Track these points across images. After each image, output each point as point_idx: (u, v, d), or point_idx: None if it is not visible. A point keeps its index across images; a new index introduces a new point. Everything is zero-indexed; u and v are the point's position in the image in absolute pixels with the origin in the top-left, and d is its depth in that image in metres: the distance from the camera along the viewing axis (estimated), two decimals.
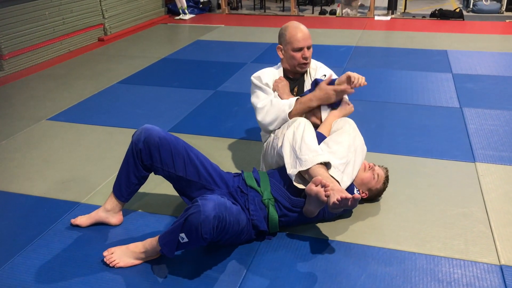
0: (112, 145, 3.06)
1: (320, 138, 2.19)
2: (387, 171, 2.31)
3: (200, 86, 4.14)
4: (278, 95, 2.39)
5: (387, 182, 2.30)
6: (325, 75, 2.44)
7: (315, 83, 2.35)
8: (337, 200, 1.81)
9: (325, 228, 2.15)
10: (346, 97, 2.34)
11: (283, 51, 2.45)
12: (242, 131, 3.21)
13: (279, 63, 2.55)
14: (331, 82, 2.30)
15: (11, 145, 3.10)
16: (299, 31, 2.36)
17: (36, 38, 5.01)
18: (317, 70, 2.51)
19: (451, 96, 3.76)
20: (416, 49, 5.23)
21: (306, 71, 2.50)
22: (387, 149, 2.88)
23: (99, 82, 4.34)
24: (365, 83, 2.24)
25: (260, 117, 2.36)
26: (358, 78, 2.23)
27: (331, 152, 2.09)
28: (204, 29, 6.52)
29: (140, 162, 2.07)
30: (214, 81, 4.27)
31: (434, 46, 5.34)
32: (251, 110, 3.52)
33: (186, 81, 4.32)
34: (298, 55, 2.38)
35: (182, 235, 1.73)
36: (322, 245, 2.05)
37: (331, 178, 1.98)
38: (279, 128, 2.31)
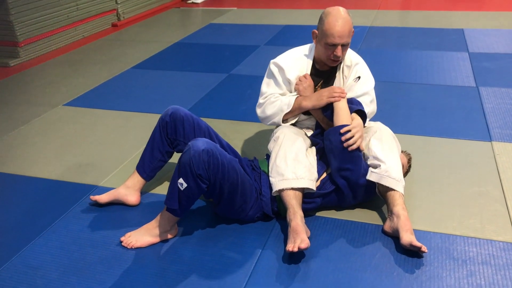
0: (127, 130, 3.09)
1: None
2: (410, 159, 2.27)
3: (214, 70, 4.14)
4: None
5: (409, 169, 2.28)
6: (359, 77, 2.21)
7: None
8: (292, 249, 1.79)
9: (340, 208, 2.15)
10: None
11: (317, 39, 2.16)
12: (255, 115, 3.19)
13: (312, 46, 2.26)
14: (356, 103, 2.13)
15: (29, 131, 3.15)
16: (338, 25, 2.03)
17: (50, 25, 5.04)
18: (352, 68, 2.23)
19: (467, 75, 3.71)
20: (432, 28, 5.14)
21: (338, 66, 2.24)
22: (403, 129, 2.86)
23: (114, 67, 4.37)
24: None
25: (259, 111, 2.30)
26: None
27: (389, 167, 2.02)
28: (216, 13, 6.49)
29: (165, 135, 2.18)
30: (227, 64, 4.27)
31: (450, 25, 5.25)
32: None
33: (200, 65, 4.32)
34: (329, 51, 2.10)
35: (180, 180, 1.81)
36: (336, 225, 2.06)
37: (296, 207, 1.95)
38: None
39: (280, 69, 2.24)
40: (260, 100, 2.30)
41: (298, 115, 2.25)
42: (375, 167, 2.05)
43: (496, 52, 4.22)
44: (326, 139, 2.09)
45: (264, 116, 2.29)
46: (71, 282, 1.79)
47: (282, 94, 2.26)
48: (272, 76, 2.28)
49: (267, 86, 2.30)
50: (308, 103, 2.15)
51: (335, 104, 2.08)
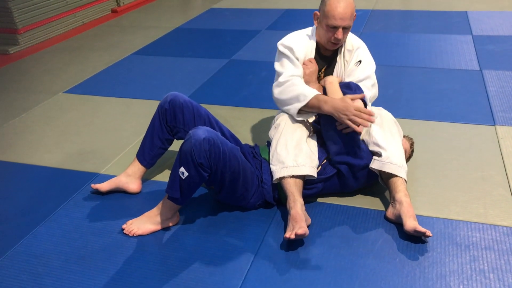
0: (128, 117, 3.08)
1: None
2: (412, 144, 2.25)
3: (215, 55, 4.10)
4: (304, 82, 2.14)
5: (412, 154, 2.26)
6: (360, 61, 2.17)
7: (347, 85, 2.07)
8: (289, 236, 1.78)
9: (342, 194, 2.14)
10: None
11: (318, 21, 2.13)
12: (257, 100, 3.19)
13: (313, 30, 2.22)
14: (354, 88, 2.05)
15: (29, 119, 3.14)
16: (340, 7, 2.00)
17: (50, 12, 4.99)
18: (354, 52, 2.18)
19: (471, 59, 3.67)
20: (435, 11, 5.08)
21: (340, 50, 2.20)
22: (405, 114, 2.83)
23: (114, 53, 4.34)
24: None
25: (276, 91, 2.13)
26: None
27: (391, 154, 1.99)
28: None
29: (164, 123, 2.16)
30: (229, 49, 4.23)
31: (453, 7, 5.18)
32: (266, 79, 3.50)
33: (201, 50, 4.28)
34: (330, 33, 2.07)
35: (181, 169, 1.80)
36: (338, 211, 2.05)
37: (297, 195, 1.93)
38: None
39: (289, 48, 2.16)
40: (280, 79, 2.12)
41: (313, 114, 2.11)
42: (376, 154, 2.03)
43: (500, 35, 4.17)
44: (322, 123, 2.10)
45: (281, 99, 2.12)
46: (74, 270, 1.80)
47: (299, 75, 2.16)
48: (283, 55, 2.17)
49: (281, 66, 2.17)
50: (328, 108, 1.98)
51: (327, 90, 2.06)
